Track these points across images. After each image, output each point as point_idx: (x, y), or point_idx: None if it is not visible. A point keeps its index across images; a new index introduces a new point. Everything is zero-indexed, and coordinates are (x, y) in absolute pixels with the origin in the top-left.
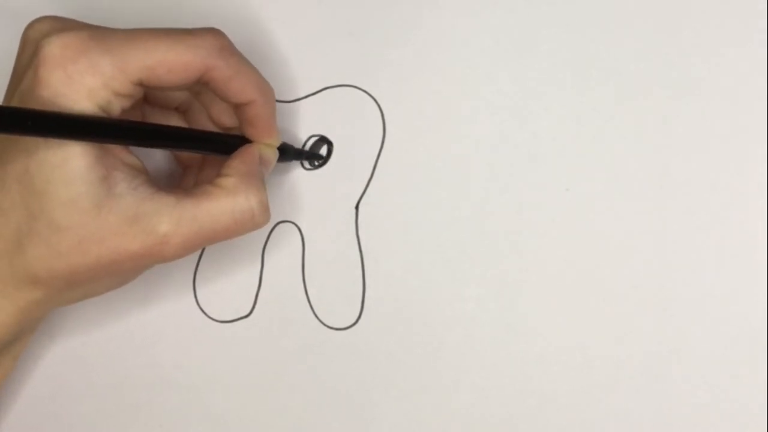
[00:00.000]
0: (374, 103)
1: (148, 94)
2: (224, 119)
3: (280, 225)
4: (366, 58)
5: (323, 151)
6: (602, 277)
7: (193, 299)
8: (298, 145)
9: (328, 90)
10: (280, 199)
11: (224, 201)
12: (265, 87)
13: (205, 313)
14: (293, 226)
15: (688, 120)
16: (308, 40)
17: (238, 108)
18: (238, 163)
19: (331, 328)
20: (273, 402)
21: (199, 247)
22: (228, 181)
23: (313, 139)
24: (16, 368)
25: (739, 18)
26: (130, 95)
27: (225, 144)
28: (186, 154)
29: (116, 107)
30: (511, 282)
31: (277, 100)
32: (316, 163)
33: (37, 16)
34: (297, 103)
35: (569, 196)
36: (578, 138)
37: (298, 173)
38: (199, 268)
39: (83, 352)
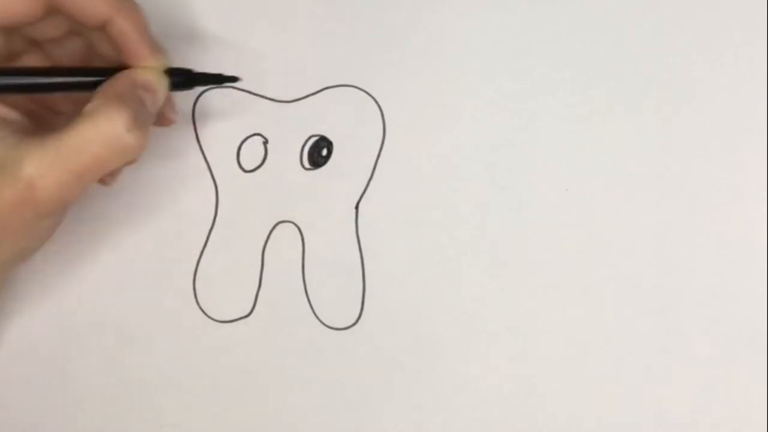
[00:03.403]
0: (374, 103)
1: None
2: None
3: (280, 225)
4: (366, 58)
5: (324, 151)
6: (602, 277)
7: (193, 299)
8: (297, 148)
9: (328, 90)
10: (280, 199)
11: (86, 128)
12: (122, 1)
13: (205, 313)
14: (293, 226)
15: (688, 120)
16: (308, 40)
17: (105, 34)
18: (105, 86)
19: (331, 328)
20: (273, 402)
21: (78, 186)
22: (89, 107)
23: (313, 139)
24: (16, 368)
25: (739, 18)
26: None
27: (97, 75)
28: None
29: None
30: (511, 282)
31: (278, 100)
32: (317, 162)
33: None
34: (297, 103)
35: (569, 196)
36: (578, 138)
37: (298, 173)
38: (199, 268)
39: (83, 352)
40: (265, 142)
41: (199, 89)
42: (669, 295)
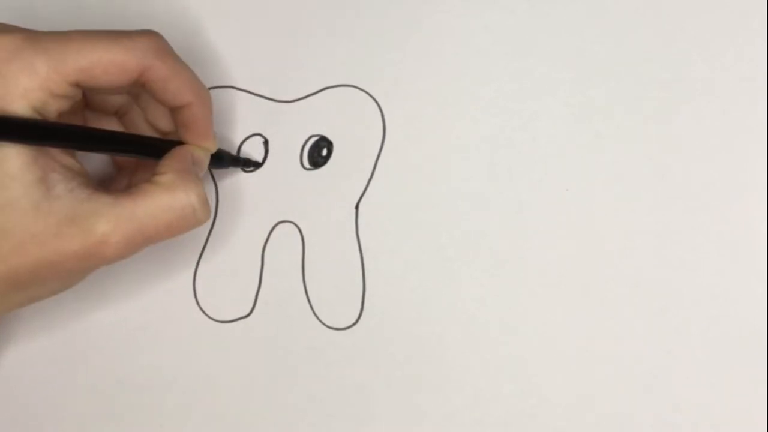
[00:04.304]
0: (374, 103)
1: (88, 98)
2: (161, 123)
3: (280, 225)
4: (366, 58)
5: (324, 151)
6: (602, 277)
7: (193, 299)
8: (297, 148)
9: (328, 90)
10: (280, 199)
11: (163, 197)
12: (201, 90)
13: (205, 313)
14: (293, 226)
15: (688, 120)
16: (309, 40)
17: (174, 111)
18: (172, 161)
19: (331, 328)
20: (273, 402)
21: (142, 246)
22: (165, 178)
23: (313, 139)
24: (17, 367)
25: (739, 18)
26: (66, 96)
27: (158, 148)
28: (123, 158)
29: (52, 109)
30: (511, 282)
31: (278, 100)
32: (317, 162)
33: None
34: (297, 103)
35: (569, 196)
36: (578, 138)
37: (298, 173)
38: (199, 268)
39: (83, 352)
40: (265, 142)
41: None
42: (669, 295)
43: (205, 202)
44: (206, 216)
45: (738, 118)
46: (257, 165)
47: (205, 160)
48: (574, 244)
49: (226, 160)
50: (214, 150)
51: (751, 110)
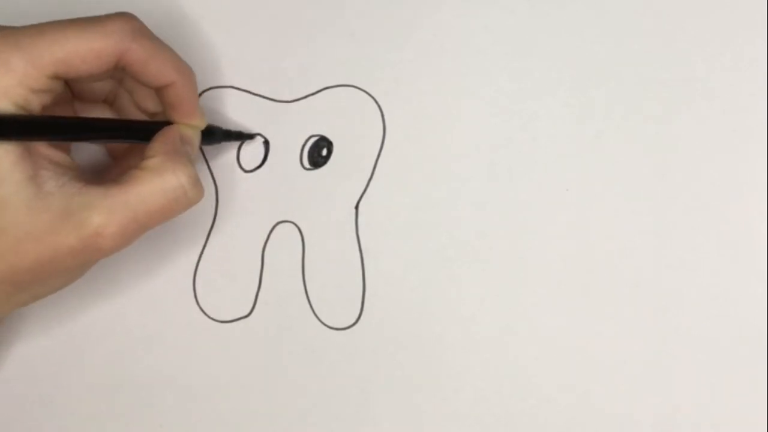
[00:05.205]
0: (374, 103)
1: (74, 89)
2: (149, 105)
3: (280, 225)
4: (366, 58)
5: (324, 151)
6: (602, 277)
7: (193, 299)
8: (297, 148)
9: (328, 90)
10: (280, 199)
11: (153, 182)
12: (183, 68)
13: (205, 313)
14: (293, 226)
15: (688, 120)
16: (309, 40)
17: (159, 92)
18: (159, 143)
19: (331, 328)
20: (273, 402)
21: (138, 234)
22: (153, 162)
23: (313, 139)
24: (17, 367)
25: (739, 18)
26: (47, 90)
27: (146, 131)
28: (115, 145)
29: (35, 104)
30: (511, 282)
31: (278, 100)
32: (317, 162)
33: None
34: (297, 103)
35: (569, 196)
36: (578, 138)
37: (298, 173)
38: (199, 268)
39: (82, 352)
40: (265, 142)
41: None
42: (669, 295)
43: (195, 181)
44: (198, 195)
45: (738, 118)
46: (250, 137)
47: (195, 138)
48: (574, 244)
49: (217, 135)
50: (203, 127)
51: (751, 110)
